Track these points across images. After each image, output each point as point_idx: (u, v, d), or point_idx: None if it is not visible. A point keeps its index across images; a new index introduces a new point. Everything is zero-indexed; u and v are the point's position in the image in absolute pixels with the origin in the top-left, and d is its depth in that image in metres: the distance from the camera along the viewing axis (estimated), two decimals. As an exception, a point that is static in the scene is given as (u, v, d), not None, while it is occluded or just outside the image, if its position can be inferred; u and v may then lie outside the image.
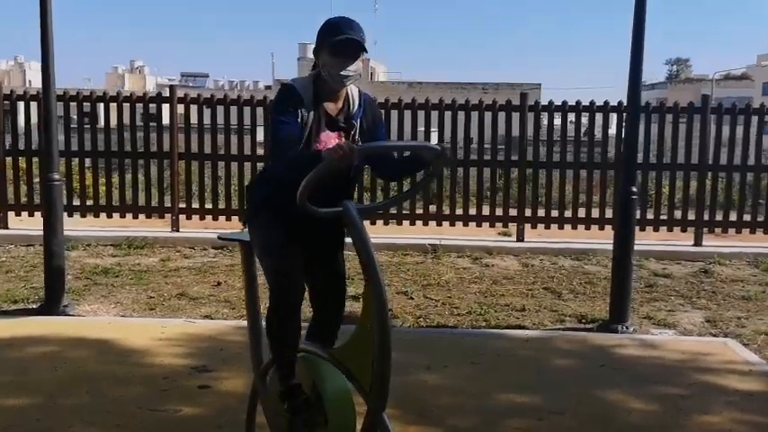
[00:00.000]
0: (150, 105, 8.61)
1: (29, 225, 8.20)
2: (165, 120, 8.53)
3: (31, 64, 63.76)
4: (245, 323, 5.09)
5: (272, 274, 2.76)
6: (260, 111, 8.42)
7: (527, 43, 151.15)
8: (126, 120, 8.39)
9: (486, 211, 8.78)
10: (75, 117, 9.00)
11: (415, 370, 4.25)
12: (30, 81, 57.66)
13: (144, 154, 8.65)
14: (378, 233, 8.53)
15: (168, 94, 8.49)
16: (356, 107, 2.83)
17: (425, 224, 8.66)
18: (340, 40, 2.68)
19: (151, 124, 9.02)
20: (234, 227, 8.60)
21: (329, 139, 2.71)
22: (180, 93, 8.88)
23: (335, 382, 2.60)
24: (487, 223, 8.69)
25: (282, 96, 2.76)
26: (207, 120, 8.46)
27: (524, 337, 5.00)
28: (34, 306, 5.59)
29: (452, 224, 8.66)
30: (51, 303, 5.41)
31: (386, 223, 8.66)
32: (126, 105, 8.41)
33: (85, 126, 8.63)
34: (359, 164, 2.83)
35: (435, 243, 8.07)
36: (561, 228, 8.72)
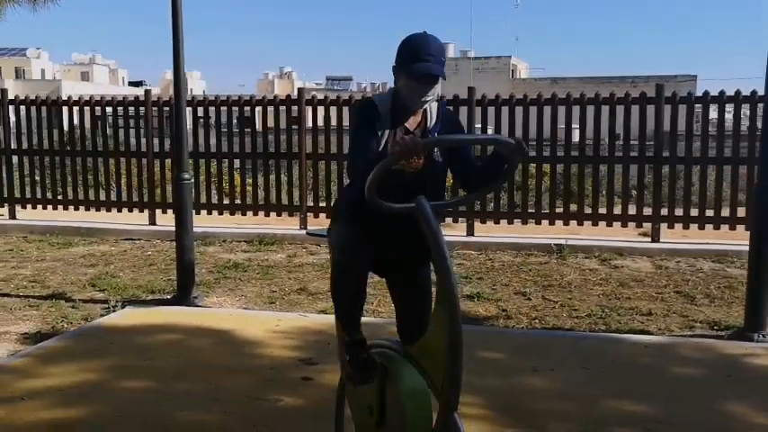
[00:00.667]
0: (290, 108, 8.94)
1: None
2: (310, 122, 8.85)
3: (192, 73, 68.62)
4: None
5: (335, 264, 2.81)
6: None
7: (682, 32, 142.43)
8: (270, 122, 8.79)
9: (617, 210, 8.37)
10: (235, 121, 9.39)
11: (520, 372, 4.14)
12: (191, 89, 62.02)
13: (275, 155, 9.01)
14: (502, 233, 8.40)
15: (296, 96, 8.80)
16: (434, 120, 2.79)
17: (551, 223, 8.40)
18: (419, 71, 2.63)
19: (293, 127, 9.21)
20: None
21: None
22: (322, 96, 9.12)
23: (412, 378, 2.57)
24: (619, 223, 8.28)
25: (361, 112, 2.77)
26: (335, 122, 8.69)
27: (645, 343, 4.72)
28: (168, 296, 5.99)
29: (580, 223, 8.34)
30: (182, 294, 5.78)
31: (510, 222, 8.48)
32: (258, 108, 8.82)
33: (234, 130, 9.06)
34: (441, 164, 2.78)
35: (561, 243, 7.80)
36: (702, 228, 8.13)
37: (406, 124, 2.76)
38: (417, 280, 2.95)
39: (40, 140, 9.46)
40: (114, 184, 9.81)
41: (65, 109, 9.56)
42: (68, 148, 9.36)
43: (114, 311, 5.50)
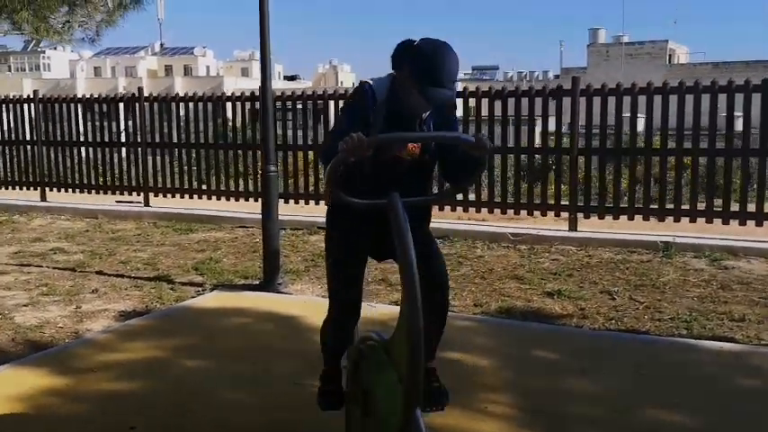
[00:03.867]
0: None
1: (289, 211, 9.18)
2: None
3: (342, 66, 70.77)
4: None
5: (331, 321, 3.11)
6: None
7: None
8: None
9: (734, 207, 7.75)
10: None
11: (566, 374, 4.01)
12: (341, 81, 63.97)
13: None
14: (609, 228, 8.05)
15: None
16: (427, 112, 2.78)
17: (661, 220, 7.93)
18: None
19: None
20: (490, 219, 8.78)
21: None
22: (472, 87, 9.08)
23: (385, 371, 2.60)
24: (737, 221, 7.67)
25: (354, 97, 2.81)
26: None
27: (718, 351, 4.39)
28: (257, 282, 6.34)
29: (693, 220, 7.80)
30: (268, 281, 6.09)
31: (616, 218, 8.10)
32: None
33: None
34: (429, 158, 2.78)
35: (668, 241, 7.35)
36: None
37: (400, 112, 2.78)
38: (419, 238, 2.86)
39: (169, 134, 10.27)
40: (228, 175, 10.40)
41: (185, 106, 10.26)
42: (194, 141, 10.10)
43: (203, 294, 5.91)
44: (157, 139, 10.40)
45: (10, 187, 11.58)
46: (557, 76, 49.54)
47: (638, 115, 8.11)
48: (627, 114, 8.10)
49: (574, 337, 4.78)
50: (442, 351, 4.36)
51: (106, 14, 6.35)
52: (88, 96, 11.01)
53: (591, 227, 8.15)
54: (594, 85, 8.11)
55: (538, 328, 4.96)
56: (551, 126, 8.59)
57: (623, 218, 8.08)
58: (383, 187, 2.50)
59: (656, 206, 7.96)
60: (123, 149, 10.76)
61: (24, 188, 11.40)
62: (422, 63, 2.60)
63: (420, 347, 2.32)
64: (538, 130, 8.92)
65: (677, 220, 7.83)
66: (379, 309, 5.41)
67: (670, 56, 45.87)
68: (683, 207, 7.84)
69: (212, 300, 5.69)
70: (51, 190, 11.16)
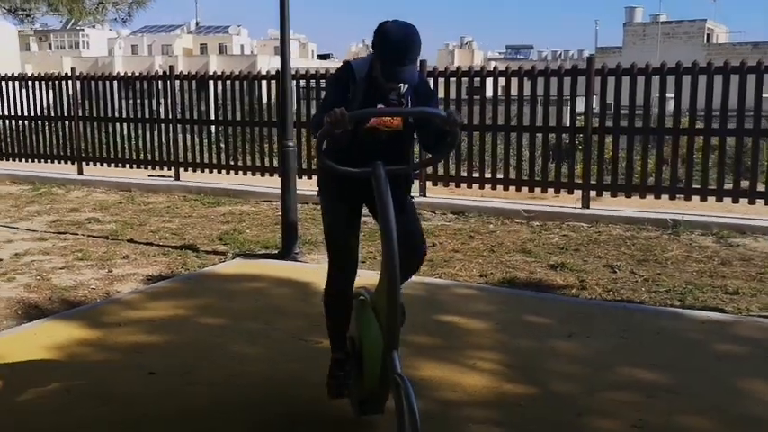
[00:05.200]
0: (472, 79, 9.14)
1: (312, 186, 9.56)
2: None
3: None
4: (428, 280, 5.54)
5: (328, 243, 3.25)
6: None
7: None
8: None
9: (744, 185, 7.88)
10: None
11: (553, 337, 4.29)
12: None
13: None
14: (618, 206, 8.24)
15: (436, 68, 9.13)
16: (406, 86, 3.05)
17: (672, 198, 8.09)
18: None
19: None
20: (511, 196, 9.03)
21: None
22: (502, 66, 9.26)
23: (369, 321, 2.92)
24: (746, 200, 7.80)
25: (337, 73, 3.12)
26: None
27: (703, 319, 4.62)
28: (275, 252, 6.70)
29: (704, 198, 7.95)
30: (286, 250, 6.45)
31: (628, 196, 8.29)
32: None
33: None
34: (409, 133, 3.07)
35: (677, 218, 7.53)
36: None
37: (382, 87, 3.06)
38: (402, 210, 3.02)
39: (198, 111, 10.68)
40: (254, 151, 10.76)
41: (213, 84, 10.63)
42: (221, 118, 10.49)
43: (224, 262, 6.29)
44: (187, 116, 10.81)
45: (50, 161, 12.11)
46: (591, 56, 48.95)
47: (668, 95, 8.23)
48: (657, 95, 8.21)
49: (567, 305, 5.04)
50: (438, 313, 4.73)
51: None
52: (122, 74, 11.46)
53: (608, 204, 8.34)
54: (621, 66, 8.22)
55: (534, 296, 5.23)
56: (578, 106, 8.72)
57: (636, 197, 8.27)
58: (367, 155, 2.81)
59: (667, 185, 8.11)
60: (156, 126, 11.20)
61: (63, 162, 11.92)
62: (379, 41, 2.91)
63: (396, 299, 2.63)
64: (564, 109, 9.05)
65: (688, 198, 7.99)
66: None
67: (708, 35, 45.01)
68: (694, 186, 7.99)
69: (232, 266, 6.07)
70: (88, 164, 11.67)
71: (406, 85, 3.04)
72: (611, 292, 5.46)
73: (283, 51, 6.25)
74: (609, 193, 8.42)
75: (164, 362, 3.92)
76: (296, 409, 3.38)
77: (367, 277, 3.70)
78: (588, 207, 8.26)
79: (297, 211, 6.60)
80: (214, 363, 3.91)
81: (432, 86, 8.67)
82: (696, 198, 7.97)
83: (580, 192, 8.40)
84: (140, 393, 3.53)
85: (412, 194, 3.29)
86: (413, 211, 3.23)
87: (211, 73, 10.77)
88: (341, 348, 3.26)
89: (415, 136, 3.20)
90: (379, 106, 3.00)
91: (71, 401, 3.45)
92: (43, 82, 11.99)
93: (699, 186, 7.98)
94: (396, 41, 2.86)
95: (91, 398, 3.49)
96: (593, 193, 8.39)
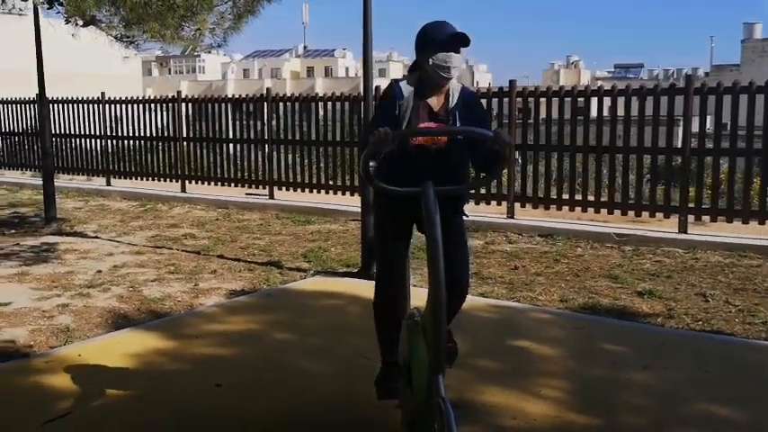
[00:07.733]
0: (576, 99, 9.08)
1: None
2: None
3: (478, 66, 70.59)
4: (505, 303, 5.45)
5: (376, 254, 3.30)
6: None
7: None
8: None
9: None
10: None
11: (627, 367, 4.09)
12: (477, 81, 63.80)
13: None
14: (718, 231, 7.79)
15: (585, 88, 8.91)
16: (454, 102, 3.03)
17: (778, 224, 7.57)
18: (450, 35, 2.95)
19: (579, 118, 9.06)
20: (560, 216, 8.78)
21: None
22: (608, 85, 9.05)
23: (419, 344, 2.87)
24: None
25: (384, 91, 3.15)
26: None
27: (798, 355, 4.28)
28: (355, 270, 6.76)
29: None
30: (364, 268, 6.49)
31: (729, 221, 7.82)
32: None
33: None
34: (458, 151, 3.03)
35: (783, 245, 7.03)
36: None
37: (430, 104, 3.07)
38: (448, 232, 2.90)
39: (293, 132, 11.01)
40: (345, 171, 10.93)
41: (314, 105, 10.89)
42: (314, 138, 10.75)
43: (304, 279, 6.41)
44: (282, 137, 11.15)
45: (157, 179, 12.79)
46: (707, 74, 46.80)
47: None
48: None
49: (648, 334, 4.80)
50: (511, 338, 4.62)
51: (232, 22, 7.06)
52: (225, 96, 12.00)
53: (707, 229, 7.91)
54: (722, 84, 7.82)
55: (614, 324, 5.01)
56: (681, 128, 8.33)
57: (738, 222, 7.80)
58: (417, 172, 2.80)
59: (773, 210, 7.60)
60: (253, 146, 11.61)
61: (168, 180, 12.56)
62: (430, 35, 3.04)
63: (441, 322, 2.58)
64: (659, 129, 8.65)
65: (795, 224, 7.45)
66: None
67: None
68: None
69: (311, 284, 6.17)
70: (190, 182, 12.23)
71: (455, 101, 3.02)
72: (700, 322, 5.16)
73: (366, 73, 6.34)
74: (708, 217, 7.98)
75: (231, 374, 4.02)
76: (355, 425, 3.38)
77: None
78: (686, 232, 7.85)
79: (377, 230, 6.63)
80: (279, 377, 3.97)
81: (532, 107, 8.81)
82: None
83: (677, 216, 8.01)
84: (204, 404, 3.64)
85: (466, 214, 3.24)
86: (461, 233, 3.18)
87: (305, 95, 11.06)
88: (389, 354, 3.29)
89: None
90: (428, 124, 2.99)
91: (139, 409, 3.59)
92: (151, 105, 12.71)
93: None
94: (441, 30, 3.01)
95: (156, 406, 3.62)
96: (691, 218, 7.97)
